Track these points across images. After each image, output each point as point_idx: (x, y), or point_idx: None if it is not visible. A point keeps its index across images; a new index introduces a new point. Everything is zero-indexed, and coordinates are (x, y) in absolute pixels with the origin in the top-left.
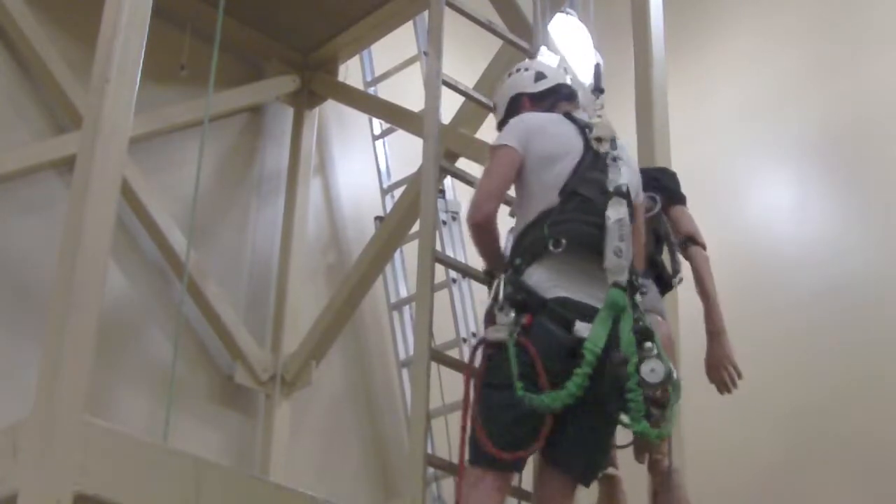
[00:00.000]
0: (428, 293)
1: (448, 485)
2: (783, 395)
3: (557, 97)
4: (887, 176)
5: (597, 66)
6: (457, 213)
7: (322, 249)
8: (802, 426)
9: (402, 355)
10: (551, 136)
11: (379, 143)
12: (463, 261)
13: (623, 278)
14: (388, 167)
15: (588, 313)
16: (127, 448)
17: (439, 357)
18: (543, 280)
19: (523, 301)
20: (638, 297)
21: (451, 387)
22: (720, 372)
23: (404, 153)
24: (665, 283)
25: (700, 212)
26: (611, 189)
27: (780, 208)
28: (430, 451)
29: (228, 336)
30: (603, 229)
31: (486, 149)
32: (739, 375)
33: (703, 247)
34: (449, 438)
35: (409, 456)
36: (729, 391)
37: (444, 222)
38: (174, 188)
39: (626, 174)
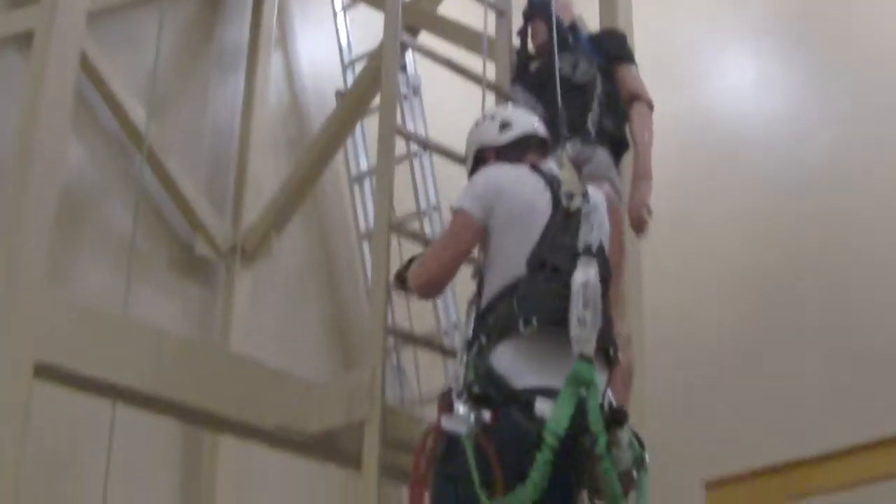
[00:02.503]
0: (388, 166)
1: (407, 354)
2: (742, 261)
3: (524, 148)
4: (849, 54)
5: (561, 111)
6: (418, 86)
7: (283, 122)
8: (761, 290)
9: (362, 227)
10: (516, 195)
11: (340, 16)
12: (423, 134)
13: (589, 349)
14: (349, 41)
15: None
16: (88, 319)
17: (399, 229)
18: (513, 364)
19: (486, 395)
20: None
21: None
22: (637, 211)
23: (366, 27)
24: (617, 148)
25: (662, 91)
26: (580, 249)
27: (741, 86)
28: (389, 321)
29: (188, 207)
30: (564, 299)
31: (447, 23)
32: (650, 215)
33: (649, 104)
34: (409, 309)
35: (369, 326)
36: (643, 231)
37: (405, 96)
38: (134, 63)
39: (598, 229)
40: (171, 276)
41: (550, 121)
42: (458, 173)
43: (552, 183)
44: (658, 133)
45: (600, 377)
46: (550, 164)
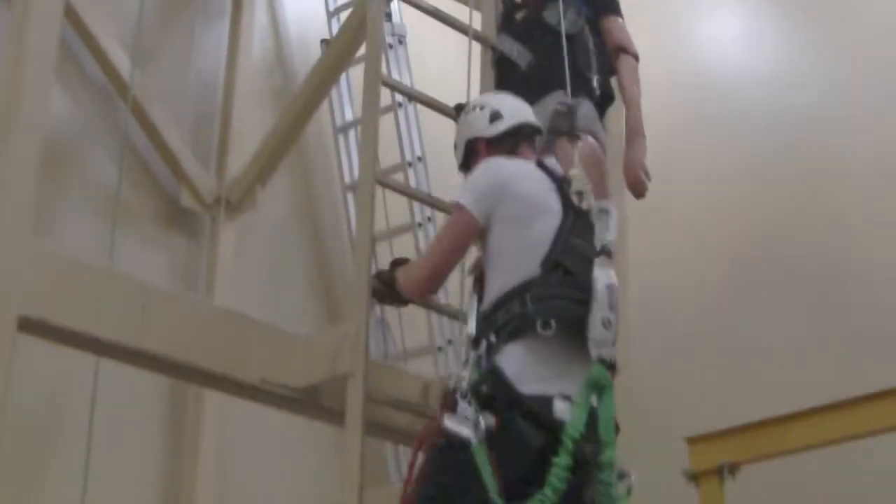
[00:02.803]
0: (373, 116)
1: (392, 308)
2: (725, 219)
3: (517, 139)
4: (838, 5)
5: (568, 108)
6: (403, 36)
7: (267, 72)
8: (743, 250)
9: (347, 179)
10: (523, 193)
11: None
12: (409, 84)
13: (610, 353)
14: None
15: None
16: (72, 271)
17: (384, 181)
18: (523, 368)
19: (491, 397)
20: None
21: (395, 210)
22: (633, 172)
23: None
24: (602, 101)
25: (651, 42)
26: (597, 249)
27: (731, 38)
28: (374, 274)
29: (173, 159)
30: (579, 303)
31: None
32: (649, 178)
33: (635, 57)
34: None
35: (354, 279)
36: (641, 194)
37: (391, 45)
38: (119, 12)
39: (613, 228)
40: (155, 229)
41: (537, 69)
42: (444, 125)
43: (559, 181)
44: (642, 89)
45: None
46: (552, 161)
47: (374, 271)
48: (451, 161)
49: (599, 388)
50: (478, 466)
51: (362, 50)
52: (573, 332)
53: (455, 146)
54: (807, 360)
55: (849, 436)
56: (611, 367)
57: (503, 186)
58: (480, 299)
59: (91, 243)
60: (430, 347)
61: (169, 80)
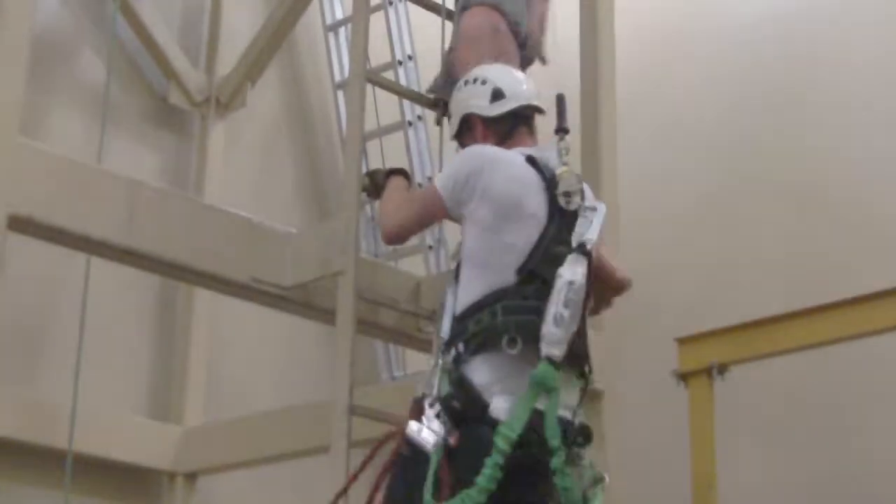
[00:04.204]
0: (364, 14)
1: None
2: (720, 119)
3: (517, 120)
4: None
5: (560, 99)
6: None
7: None
8: (734, 152)
9: (337, 77)
10: (500, 195)
11: None
12: None
13: (559, 351)
14: None
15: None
16: (61, 169)
17: (374, 79)
18: (489, 379)
19: (460, 411)
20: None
21: (385, 109)
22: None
23: None
24: None
25: None
26: (573, 245)
27: None
28: (364, 172)
29: (162, 57)
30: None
31: None
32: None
33: None
34: (383, 160)
35: (344, 177)
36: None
37: None
38: None
39: (596, 226)
40: (145, 127)
41: None
42: (433, 23)
43: (549, 180)
44: None
45: (571, 391)
46: (546, 153)
47: (365, 170)
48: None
49: (547, 388)
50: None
51: None
52: (530, 340)
53: (449, 115)
54: (796, 261)
55: (837, 337)
56: (559, 367)
57: (479, 184)
58: (456, 300)
59: (80, 142)
60: (421, 246)
61: None
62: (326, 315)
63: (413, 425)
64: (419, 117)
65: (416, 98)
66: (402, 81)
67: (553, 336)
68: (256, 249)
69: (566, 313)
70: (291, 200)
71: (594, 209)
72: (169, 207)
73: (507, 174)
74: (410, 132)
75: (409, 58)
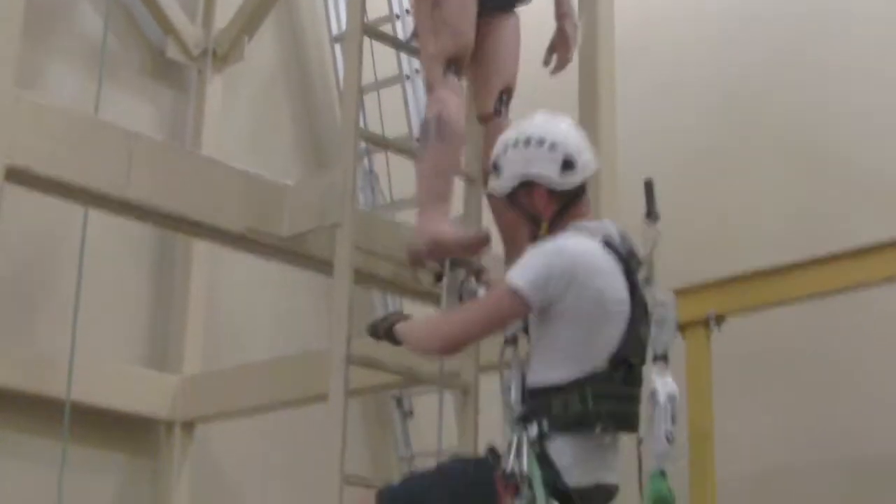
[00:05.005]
0: None
1: (379, 159)
2: (719, 67)
3: (579, 192)
4: None
5: (648, 185)
6: None
7: None
8: (734, 99)
9: (334, 30)
10: (591, 285)
11: None
12: None
13: (671, 465)
14: None
15: (598, 495)
16: (58, 121)
17: (372, 32)
18: (573, 461)
19: (558, 491)
20: None
21: (383, 62)
22: (560, 52)
23: None
24: None
25: None
26: (658, 351)
27: None
28: (362, 124)
29: (159, 10)
30: (637, 401)
31: None
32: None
33: None
34: (381, 113)
35: (342, 130)
36: (561, 68)
37: None
38: None
39: (673, 326)
40: (142, 80)
41: None
42: None
43: (626, 262)
44: None
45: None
46: (609, 227)
47: (361, 121)
48: None
49: (663, 501)
50: None
51: None
52: (624, 430)
53: (496, 167)
54: (793, 214)
55: (834, 289)
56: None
57: (570, 280)
58: (525, 371)
59: (77, 95)
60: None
61: None
62: (324, 266)
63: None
64: (416, 70)
65: (413, 51)
66: (400, 35)
67: (666, 452)
68: (254, 201)
69: (674, 430)
70: (289, 153)
71: (666, 307)
72: (167, 160)
73: (596, 266)
74: (408, 85)
75: (407, 12)
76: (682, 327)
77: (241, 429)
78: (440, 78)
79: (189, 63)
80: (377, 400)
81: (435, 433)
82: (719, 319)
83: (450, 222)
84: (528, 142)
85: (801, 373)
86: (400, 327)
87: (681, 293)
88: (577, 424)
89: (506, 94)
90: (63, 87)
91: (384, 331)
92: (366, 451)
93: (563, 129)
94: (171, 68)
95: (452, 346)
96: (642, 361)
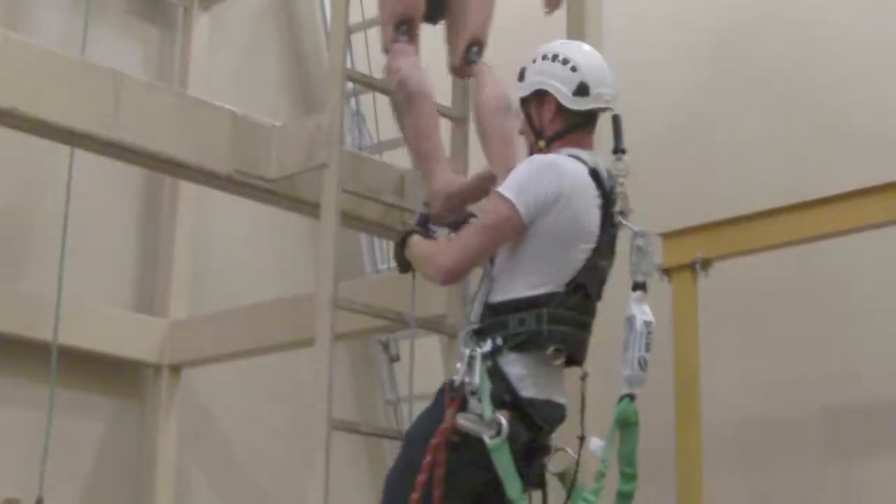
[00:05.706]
0: None
1: (366, 100)
2: (710, 14)
3: (585, 121)
4: None
5: (615, 120)
6: None
7: None
8: (720, 48)
9: None
10: (572, 207)
11: None
12: None
13: (639, 390)
14: None
15: (550, 411)
16: (44, 61)
17: None
18: (524, 375)
19: (508, 402)
20: None
21: (370, 1)
22: None
23: None
24: None
25: None
26: (638, 279)
27: None
28: (349, 65)
29: None
30: (589, 331)
31: None
32: None
33: None
34: (368, 54)
35: (329, 70)
36: (556, 6)
37: None
38: None
39: (653, 258)
40: (129, 19)
41: None
42: None
43: (606, 196)
44: None
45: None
46: (599, 161)
47: (348, 62)
48: None
49: (628, 424)
50: (493, 463)
51: None
52: (572, 355)
53: (521, 75)
54: (779, 158)
55: (820, 234)
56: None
57: (557, 197)
58: (491, 288)
59: (63, 35)
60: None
61: None
62: (311, 208)
63: (461, 417)
64: None
65: None
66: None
67: (638, 377)
68: (241, 142)
69: (648, 357)
70: (276, 94)
71: (646, 238)
72: (153, 99)
73: (581, 189)
74: None
75: None
76: (669, 271)
77: (228, 372)
78: (391, 43)
79: (176, 2)
80: (363, 345)
81: (421, 377)
82: (706, 264)
83: (451, 171)
84: (555, 57)
85: (788, 318)
86: (415, 239)
87: (667, 237)
88: (530, 343)
89: (476, 46)
90: (49, 27)
91: (401, 237)
92: (352, 396)
93: (592, 60)
94: (157, 7)
95: (457, 272)
96: (598, 296)
